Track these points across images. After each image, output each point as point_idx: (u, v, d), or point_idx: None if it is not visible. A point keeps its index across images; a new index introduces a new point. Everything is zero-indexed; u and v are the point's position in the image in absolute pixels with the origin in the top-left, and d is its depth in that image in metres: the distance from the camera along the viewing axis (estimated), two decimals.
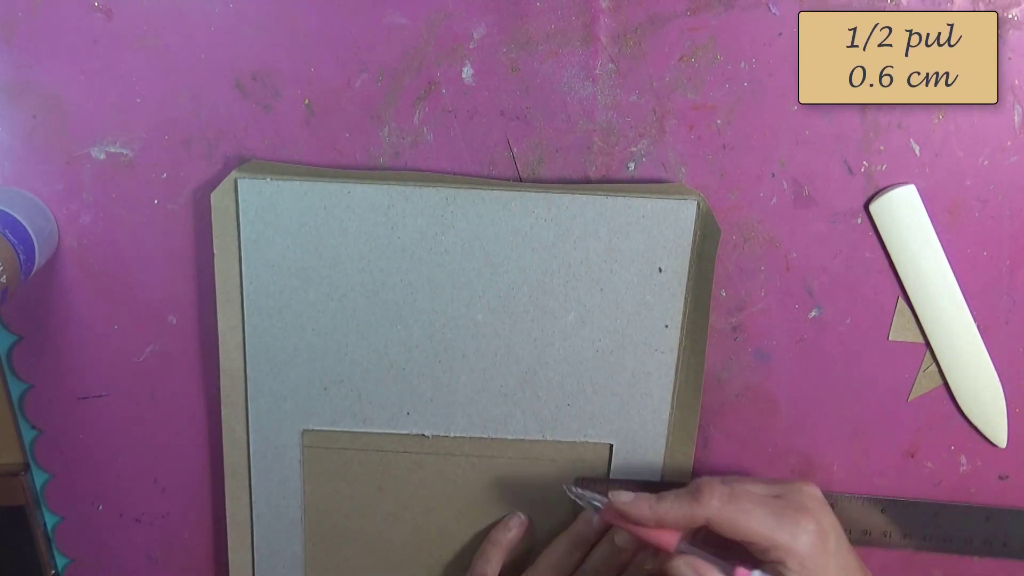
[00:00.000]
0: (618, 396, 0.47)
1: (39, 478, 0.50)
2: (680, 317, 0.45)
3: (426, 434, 0.48)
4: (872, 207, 0.44)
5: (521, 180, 0.44)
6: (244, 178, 0.44)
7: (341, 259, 0.45)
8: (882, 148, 0.44)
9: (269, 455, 0.48)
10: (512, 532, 0.49)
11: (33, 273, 0.43)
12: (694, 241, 0.44)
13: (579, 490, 0.44)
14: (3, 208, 0.41)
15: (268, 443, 0.48)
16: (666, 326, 0.45)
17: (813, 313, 0.46)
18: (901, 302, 0.46)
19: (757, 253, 0.45)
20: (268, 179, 0.44)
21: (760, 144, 0.44)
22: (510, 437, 0.48)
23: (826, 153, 0.44)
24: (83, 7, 0.42)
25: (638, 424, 0.47)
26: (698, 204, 0.43)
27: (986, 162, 0.44)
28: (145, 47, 0.43)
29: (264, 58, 0.43)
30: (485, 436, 0.48)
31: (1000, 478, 0.49)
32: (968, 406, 0.47)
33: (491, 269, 0.45)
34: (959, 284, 0.45)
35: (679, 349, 0.46)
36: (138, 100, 0.44)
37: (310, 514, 0.49)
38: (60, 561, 0.52)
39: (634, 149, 0.43)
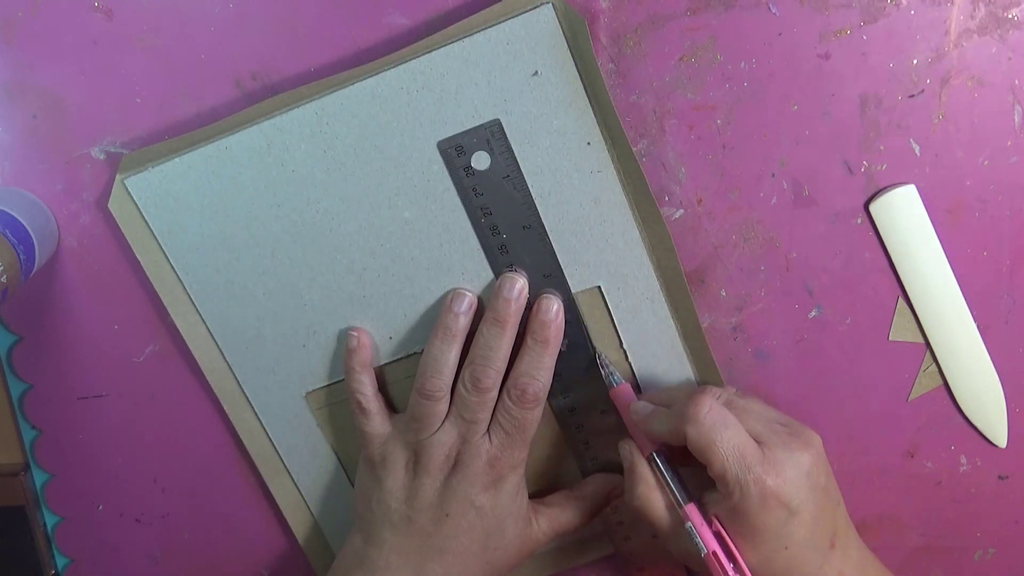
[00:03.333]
0: (582, 234, 0.44)
1: (39, 478, 0.50)
2: (597, 130, 0.42)
3: (417, 351, 0.46)
4: (872, 207, 0.44)
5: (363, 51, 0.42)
6: (129, 176, 0.43)
7: (253, 214, 0.43)
8: (882, 148, 0.44)
9: (289, 433, 0.48)
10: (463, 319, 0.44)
11: (33, 273, 0.43)
12: (568, 44, 0.41)
13: (607, 362, 0.45)
14: (3, 208, 0.41)
15: (283, 422, 0.47)
16: (588, 143, 0.42)
17: (813, 313, 0.46)
18: (901, 302, 0.46)
19: (757, 253, 0.45)
20: (149, 168, 0.43)
21: (760, 144, 0.44)
22: None
23: (826, 153, 0.44)
24: (83, 7, 0.42)
25: (614, 257, 0.44)
26: (552, 4, 0.40)
27: (986, 162, 0.44)
28: (145, 47, 0.43)
29: (264, 58, 0.43)
30: None
31: (1000, 478, 0.49)
32: (968, 406, 0.47)
33: (392, 162, 0.42)
34: (959, 284, 0.45)
35: (614, 167, 0.43)
36: (138, 100, 0.44)
37: (346, 461, 0.49)
38: (60, 561, 0.52)
39: (634, 149, 0.43)
